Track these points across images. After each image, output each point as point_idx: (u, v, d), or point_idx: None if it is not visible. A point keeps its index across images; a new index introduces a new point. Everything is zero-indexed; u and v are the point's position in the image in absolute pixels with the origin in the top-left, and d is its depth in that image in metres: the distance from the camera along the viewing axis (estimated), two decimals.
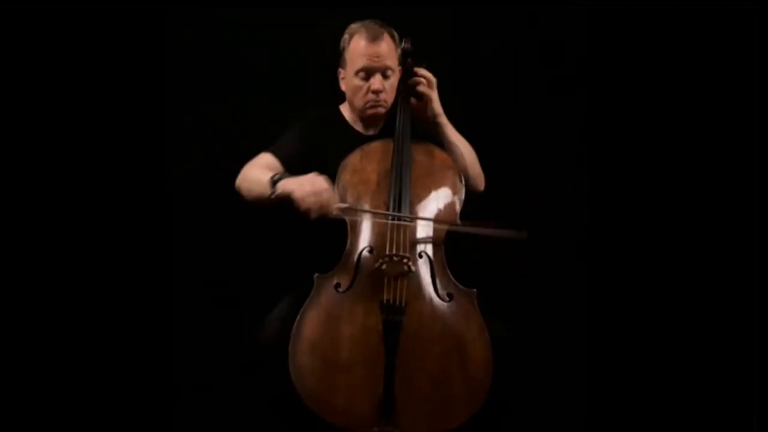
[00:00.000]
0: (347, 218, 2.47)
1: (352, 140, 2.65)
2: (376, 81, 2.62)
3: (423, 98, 2.65)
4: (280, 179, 2.43)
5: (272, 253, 3.11)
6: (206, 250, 3.21)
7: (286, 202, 2.40)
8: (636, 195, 2.86)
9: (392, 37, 2.65)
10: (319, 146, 2.63)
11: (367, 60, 2.61)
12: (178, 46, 3.13)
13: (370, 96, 2.64)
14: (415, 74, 2.65)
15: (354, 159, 2.58)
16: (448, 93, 2.72)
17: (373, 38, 2.61)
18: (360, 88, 2.64)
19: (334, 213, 2.41)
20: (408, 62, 2.67)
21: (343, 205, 2.45)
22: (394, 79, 2.66)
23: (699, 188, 2.80)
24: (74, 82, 2.65)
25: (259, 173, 2.52)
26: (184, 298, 3.06)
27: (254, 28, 3.24)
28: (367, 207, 2.50)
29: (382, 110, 2.67)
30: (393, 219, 2.45)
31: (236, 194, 2.58)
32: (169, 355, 2.72)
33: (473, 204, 2.62)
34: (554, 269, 3.30)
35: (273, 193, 2.42)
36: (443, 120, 2.68)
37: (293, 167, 2.51)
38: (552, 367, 3.15)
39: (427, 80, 2.65)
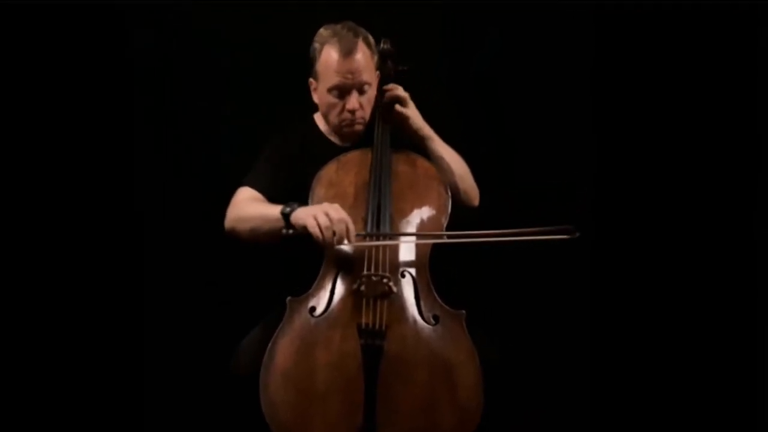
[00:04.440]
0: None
1: (328, 153, 2.51)
2: (352, 100, 2.48)
3: (400, 117, 2.52)
4: (291, 212, 2.29)
5: (243, 275, 3.00)
6: (175, 272, 3.09)
7: (301, 235, 2.26)
8: (641, 209, 2.84)
9: (367, 43, 2.50)
10: (296, 166, 2.50)
11: (341, 77, 2.46)
12: (145, 46, 3.06)
13: (346, 115, 2.50)
14: (390, 89, 2.53)
15: (329, 171, 2.44)
16: (447, 92, 2.71)
17: (347, 52, 2.44)
18: (334, 105, 2.50)
19: (353, 243, 2.27)
20: (388, 65, 2.55)
21: (362, 235, 2.30)
22: (371, 91, 2.52)
23: (707, 201, 2.79)
24: (41, 89, 2.63)
25: (259, 209, 2.38)
26: (152, 325, 2.95)
27: (226, 27, 3.14)
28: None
29: (359, 128, 2.54)
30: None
31: (197, 215, 2.57)
32: (138, 386, 2.68)
33: (464, 219, 2.48)
34: (552, 288, 3.19)
35: (289, 229, 2.27)
36: (426, 133, 2.55)
37: (274, 197, 2.40)
38: (550, 393, 3.04)
39: (399, 99, 2.51)
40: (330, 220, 2.21)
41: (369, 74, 2.48)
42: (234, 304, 2.91)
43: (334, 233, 2.21)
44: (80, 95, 2.71)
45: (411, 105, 2.53)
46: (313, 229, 2.21)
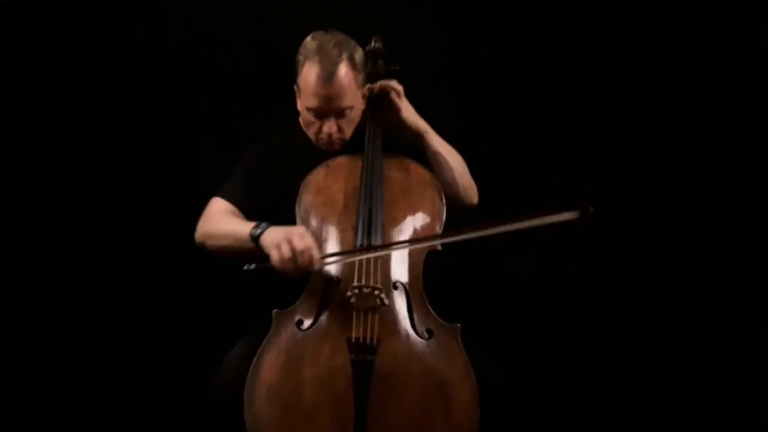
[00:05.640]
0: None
1: (316, 157, 2.41)
2: (328, 124, 2.38)
3: (393, 109, 2.42)
4: (260, 234, 2.21)
5: (227, 287, 2.93)
6: (156, 284, 3.03)
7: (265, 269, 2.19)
8: (642, 210, 2.81)
9: (352, 63, 2.36)
10: (281, 172, 2.41)
11: (318, 101, 2.35)
12: (129, 46, 3.03)
13: (323, 136, 2.41)
14: (381, 88, 2.43)
15: (317, 176, 2.35)
16: (447, 92, 2.75)
17: (327, 76, 2.32)
18: (312, 124, 2.42)
19: (317, 269, 2.20)
20: (379, 65, 2.46)
21: (328, 262, 2.22)
22: (353, 112, 2.41)
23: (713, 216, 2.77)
24: (40, 89, 2.62)
25: (231, 226, 2.31)
26: (131, 339, 2.90)
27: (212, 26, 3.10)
28: (337, 238, 2.27)
29: (337, 147, 2.44)
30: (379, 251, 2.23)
31: (190, 221, 2.42)
32: (118, 401, 2.64)
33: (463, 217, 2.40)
34: (552, 300, 3.13)
35: (251, 264, 2.18)
36: (422, 127, 2.45)
37: (252, 208, 2.34)
38: (549, 411, 3.00)
39: (395, 92, 2.41)
40: (293, 250, 2.13)
41: (351, 98, 2.37)
42: (218, 317, 2.87)
43: (296, 265, 2.14)
44: (74, 96, 2.70)
45: (405, 100, 2.43)
46: (275, 263, 2.15)
